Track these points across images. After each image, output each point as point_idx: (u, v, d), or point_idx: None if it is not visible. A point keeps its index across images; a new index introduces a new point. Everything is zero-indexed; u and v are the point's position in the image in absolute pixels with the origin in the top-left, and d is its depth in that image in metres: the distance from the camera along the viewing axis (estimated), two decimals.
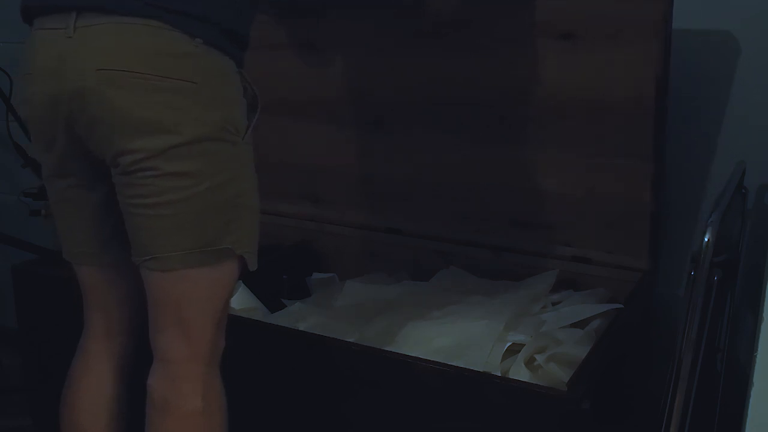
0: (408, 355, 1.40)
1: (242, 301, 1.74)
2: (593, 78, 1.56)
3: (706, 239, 1.20)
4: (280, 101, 1.90)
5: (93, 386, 1.36)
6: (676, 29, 1.46)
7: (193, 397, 1.22)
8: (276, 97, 1.88)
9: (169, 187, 1.13)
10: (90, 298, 1.36)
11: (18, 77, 1.24)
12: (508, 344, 1.49)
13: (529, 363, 1.45)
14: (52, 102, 1.16)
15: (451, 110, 1.75)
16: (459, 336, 1.53)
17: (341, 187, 1.98)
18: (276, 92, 1.88)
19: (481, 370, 1.40)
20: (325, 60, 1.83)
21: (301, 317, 1.71)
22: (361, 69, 1.81)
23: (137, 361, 1.33)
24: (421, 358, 1.37)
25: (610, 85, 1.55)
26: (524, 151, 1.71)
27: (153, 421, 1.23)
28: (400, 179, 1.89)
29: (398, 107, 1.81)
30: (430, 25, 1.68)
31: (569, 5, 1.52)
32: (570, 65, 1.57)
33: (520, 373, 1.42)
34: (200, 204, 1.16)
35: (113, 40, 1.11)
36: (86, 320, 1.37)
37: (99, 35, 1.12)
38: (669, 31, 1.44)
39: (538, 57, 1.60)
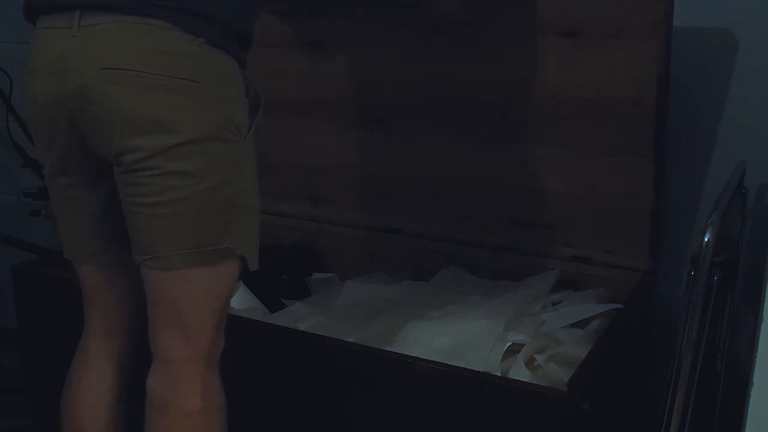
0: (408, 355, 1.40)
1: (242, 301, 1.74)
2: (593, 77, 1.56)
3: (706, 239, 1.20)
4: (279, 101, 1.90)
5: (93, 386, 1.36)
6: (676, 28, 1.46)
7: (192, 397, 1.22)
8: (276, 97, 1.87)
9: (170, 186, 1.14)
10: (90, 297, 1.36)
11: (20, 76, 1.24)
12: (508, 344, 1.49)
13: (529, 363, 1.45)
14: (55, 101, 1.16)
15: (452, 110, 1.75)
16: (459, 336, 1.53)
17: (341, 187, 1.98)
18: (276, 92, 1.86)
19: (481, 370, 1.40)
20: (325, 60, 1.82)
21: (301, 317, 1.71)
22: (362, 68, 1.81)
23: (137, 361, 1.33)
24: (421, 358, 1.37)
25: (610, 85, 1.55)
26: (524, 150, 1.71)
27: (152, 421, 1.24)
28: (400, 179, 1.89)
29: (398, 107, 1.81)
30: (431, 24, 1.68)
31: (569, 5, 1.52)
32: (570, 65, 1.57)
33: (520, 373, 1.42)
34: (201, 203, 1.16)
35: (116, 39, 1.11)
36: (86, 320, 1.37)
37: (102, 34, 1.12)
38: (670, 31, 1.44)
39: (539, 57, 1.59)
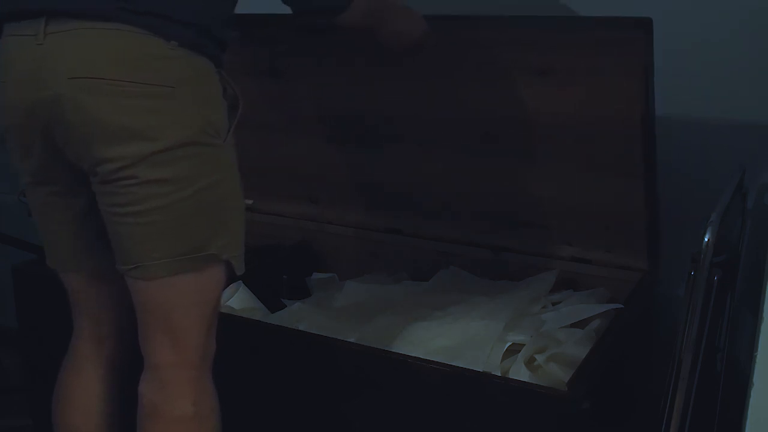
0: (408, 355, 1.40)
1: (242, 301, 1.74)
2: (577, 108, 1.53)
3: (706, 239, 1.20)
4: (277, 120, 1.89)
5: (84, 390, 1.34)
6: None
7: (183, 403, 1.20)
8: (275, 117, 1.87)
9: (150, 195, 1.11)
10: (77, 302, 1.35)
11: None
12: (508, 344, 1.49)
13: (529, 363, 1.45)
14: (28, 111, 1.14)
15: (444, 129, 1.71)
16: (459, 336, 1.53)
17: (341, 188, 1.98)
18: (275, 112, 1.86)
19: (481, 370, 1.40)
20: (324, 81, 1.79)
21: (301, 317, 1.71)
22: (355, 88, 1.76)
23: (131, 367, 1.31)
24: (421, 358, 1.37)
25: (594, 114, 1.52)
26: (519, 165, 1.69)
27: (144, 428, 1.23)
28: (399, 180, 1.89)
29: (394, 124, 1.77)
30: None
31: (550, 42, 1.49)
32: (553, 95, 1.54)
33: (520, 373, 1.41)
34: (183, 210, 1.14)
35: (84, 47, 1.09)
36: (75, 323, 1.36)
37: (69, 42, 1.09)
38: (650, 67, 1.40)
39: (521, 87, 1.56)
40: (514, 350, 1.49)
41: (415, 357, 1.38)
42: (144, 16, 1.09)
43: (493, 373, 1.42)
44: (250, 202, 2.03)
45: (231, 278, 1.25)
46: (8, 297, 1.81)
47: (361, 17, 1.37)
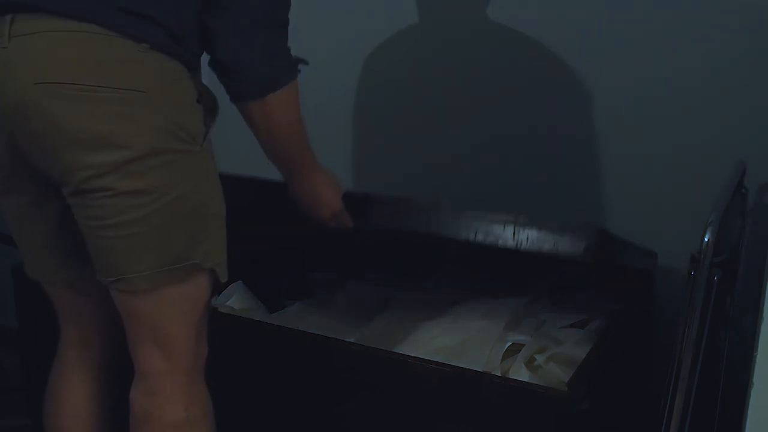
0: (408, 355, 1.40)
1: (242, 301, 1.73)
2: None
3: (706, 239, 1.19)
4: None
5: (73, 390, 1.33)
6: None
7: (174, 409, 1.19)
8: None
9: (126, 207, 1.08)
10: (62, 309, 1.33)
11: None
12: (508, 344, 1.49)
13: (529, 363, 1.45)
14: None
15: None
16: (459, 336, 1.53)
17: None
18: None
19: (481, 370, 1.40)
20: None
21: (301, 317, 1.71)
22: None
23: (122, 372, 1.29)
24: (420, 358, 1.37)
25: None
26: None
27: None
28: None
29: None
30: None
31: None
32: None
33: (520, 373, 1.41)
34: (162, 220, 1.10)
35: (51, 50, 1.04)
36: (61, 328, 1.35)
37: (35, 45, 1.04)
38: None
39: None
40: (514, 350, 1.49)
41: (414, 357, 1.38)
42: (115, 13, 1.04)
43: (493, 373, 1.42)
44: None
45: (216, 285, 1.23)
46: (8, 297, 1.80)
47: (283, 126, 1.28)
